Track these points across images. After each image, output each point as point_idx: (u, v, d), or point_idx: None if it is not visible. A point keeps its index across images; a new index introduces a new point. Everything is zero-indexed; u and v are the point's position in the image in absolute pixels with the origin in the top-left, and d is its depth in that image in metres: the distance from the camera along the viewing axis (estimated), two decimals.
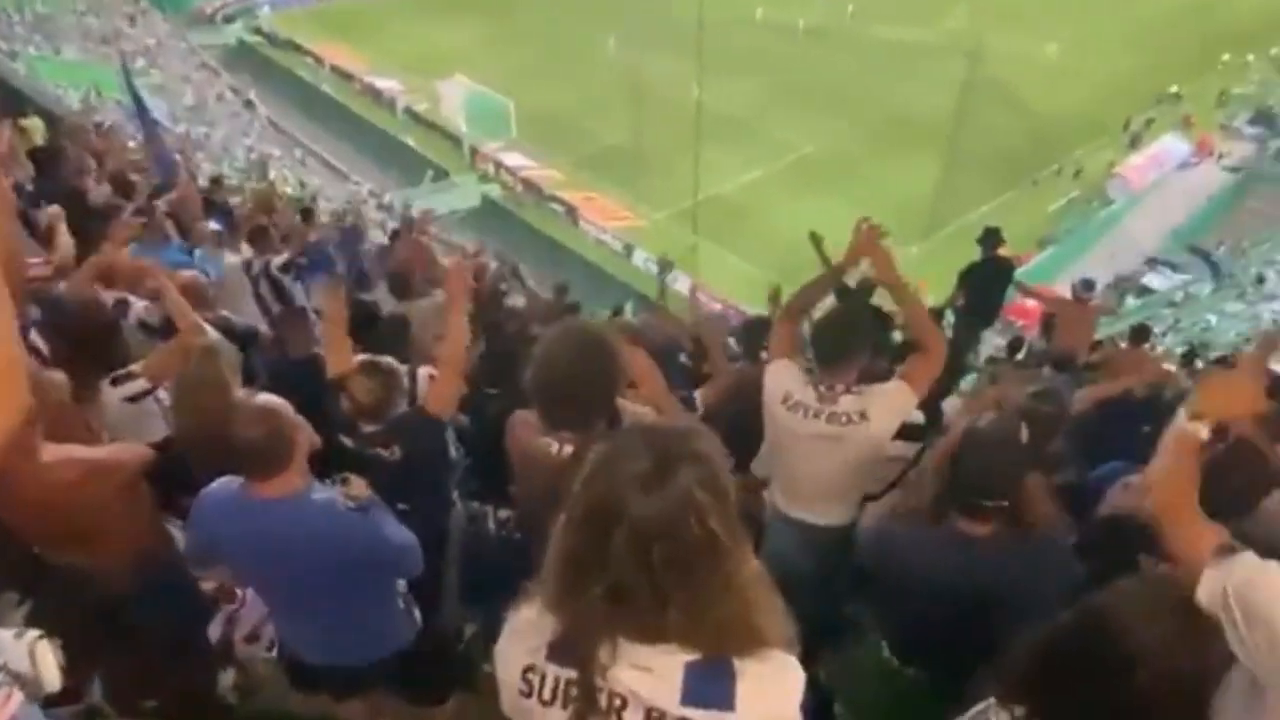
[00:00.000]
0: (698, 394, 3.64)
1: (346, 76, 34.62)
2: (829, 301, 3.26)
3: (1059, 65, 33.23)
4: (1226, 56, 33.74)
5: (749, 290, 18.48)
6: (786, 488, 3.04)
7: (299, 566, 2.34)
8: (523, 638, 1.33)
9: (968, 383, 7.49)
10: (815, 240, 4.84)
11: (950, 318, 8.08)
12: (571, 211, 27.71)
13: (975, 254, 7.79)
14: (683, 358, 5.93)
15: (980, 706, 1.75)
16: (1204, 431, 1.80)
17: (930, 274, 14.74)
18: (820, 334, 2.92)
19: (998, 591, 2.20)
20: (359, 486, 2.37)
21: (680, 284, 23.24)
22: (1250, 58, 34.12)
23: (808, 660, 1.31)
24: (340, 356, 3.12)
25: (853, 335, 2.86)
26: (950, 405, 4.93)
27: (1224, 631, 1.52)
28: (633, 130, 28.58)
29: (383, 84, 33.47)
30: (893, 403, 2.73)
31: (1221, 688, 1.63)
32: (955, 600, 2.22)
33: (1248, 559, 1.56)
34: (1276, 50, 34.31)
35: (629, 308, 17.49)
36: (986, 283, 7.80)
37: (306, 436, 2.37)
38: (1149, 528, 2.13)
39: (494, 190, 29.05)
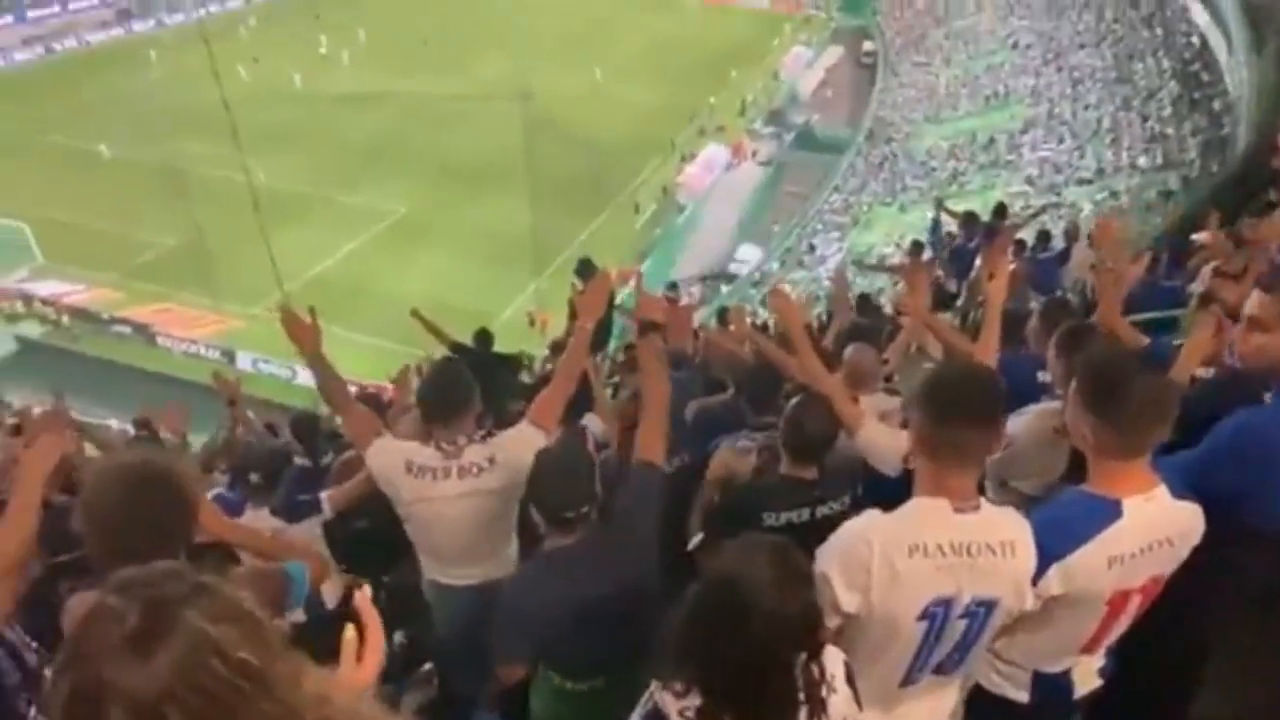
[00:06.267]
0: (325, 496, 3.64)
1: None
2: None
3: (601, 97, 36.42)
4: (734, 72, 39.89)
5: (384, 364, 16.93)
6: (437, 555, 3.02)
7: None
8: None
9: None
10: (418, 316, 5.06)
11: None
12: (143, 330, 23.78)
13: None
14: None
15: (647, 694, 1.75)
16: None
17: (556, 306, 15.03)
18: (426, 397, 2.93)
19: (609, 586, 2.31)
20: None
21: (302, 376, 21.02)
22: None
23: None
24: None
25: (455, 390, 2.87)
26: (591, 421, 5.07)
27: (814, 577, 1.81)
28: (189, 229, 25.29)
29: None
30: (520, 445, 2.77)
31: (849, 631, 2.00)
32: (581, 612, 2.31)
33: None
34: (768, 61, 41.42)
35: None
36: None
37: None
38: (766, 491, 2.97)
39: (31, 329, 24.01)
